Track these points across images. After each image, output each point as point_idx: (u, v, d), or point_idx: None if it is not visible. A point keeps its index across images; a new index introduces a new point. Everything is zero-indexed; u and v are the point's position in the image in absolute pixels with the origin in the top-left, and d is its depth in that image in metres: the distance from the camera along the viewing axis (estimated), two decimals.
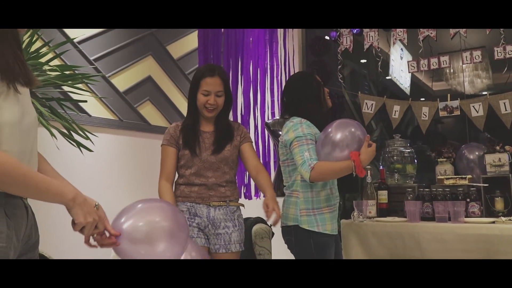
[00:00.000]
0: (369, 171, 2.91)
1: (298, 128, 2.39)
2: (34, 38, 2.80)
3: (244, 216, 3.29)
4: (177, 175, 2.51)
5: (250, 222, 3.15)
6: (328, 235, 2.39)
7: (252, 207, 3.74)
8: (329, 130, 2.34)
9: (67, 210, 1.47)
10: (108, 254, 3.20)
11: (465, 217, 2.66)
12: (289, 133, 2.40)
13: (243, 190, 3.90)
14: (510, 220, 2.52)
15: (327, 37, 3.98)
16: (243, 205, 2.55)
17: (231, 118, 3.96)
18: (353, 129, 2.31)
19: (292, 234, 2.42)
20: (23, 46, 2.74)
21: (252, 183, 3.92)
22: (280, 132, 2.66)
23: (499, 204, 2.74)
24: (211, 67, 2.47)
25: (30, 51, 2.79)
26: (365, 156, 2.25)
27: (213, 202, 2.40)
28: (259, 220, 3.18)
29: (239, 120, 3.97)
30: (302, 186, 2.41)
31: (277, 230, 2.67)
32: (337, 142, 2.29)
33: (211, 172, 2.41)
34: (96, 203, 1.51)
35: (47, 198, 1.41)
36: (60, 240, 3.15)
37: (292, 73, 4.00)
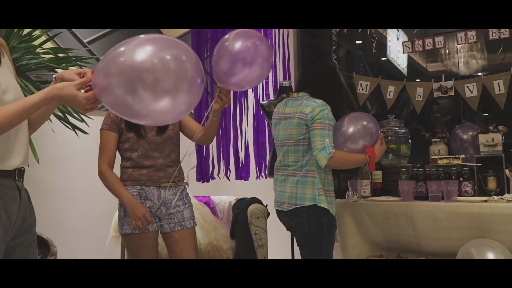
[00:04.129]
0: None
1: (324, 110, 2.40)
2: None
3: (239, 197, 3.33)
4: (120, 158, 2.48)
5: (246, 202, 3.18)
6: (334, 217, 2.46)
7: (248, 188, 3.77)
8: (343, 122, 2.47)
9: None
10: (101, 250, 3.23)
11: (458, 196, 2.69)
12: (315, 112, 2.39)
13: (239, 171, 3.93)
14: (502, 199, 2.55)
15: None
16: (187, 184, 2.57)
17: None
18: (365, 122, 2.48)
19: (304, 215, 2.42)
20: (16, 29, 2.72)
21: (251, 164, 3.94)
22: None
23: (491, 184, 2.77)
24: None
25: (23, 34, 2.77)
26: (378, 153, 2.46)
27: (163, 183, 2.42)
28: (254, 200, 3.21)
29: (232, 102, 3.97)
30: (317, 166, 2.41)
31: (273, 210, 2.69)
32: (349, 135, 2.45)
33: (158, 152, 2.43)
34: (54, 76, 1.49)
35: (36, 110, 1.41)
36: (57, 222, 3.17)
37: (286, 54, 3.99)
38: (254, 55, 1.96)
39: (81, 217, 3.33)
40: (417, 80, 3.67)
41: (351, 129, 2.45)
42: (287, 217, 2.51)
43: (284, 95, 2.68)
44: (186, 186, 2.56)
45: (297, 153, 2.47)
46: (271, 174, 3.40)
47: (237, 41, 1.96)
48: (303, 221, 2.42)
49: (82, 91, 1.42)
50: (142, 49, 1.33)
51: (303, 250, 2.50)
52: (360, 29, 3.65)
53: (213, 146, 3.95)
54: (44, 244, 2.96)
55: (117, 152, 2.46)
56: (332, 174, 2.58)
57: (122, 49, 1.35)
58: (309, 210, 2.40)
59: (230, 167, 3.96)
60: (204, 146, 3.95)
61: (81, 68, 3.36)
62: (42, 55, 2.87)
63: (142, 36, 1.38)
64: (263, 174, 3.89)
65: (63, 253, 2.99)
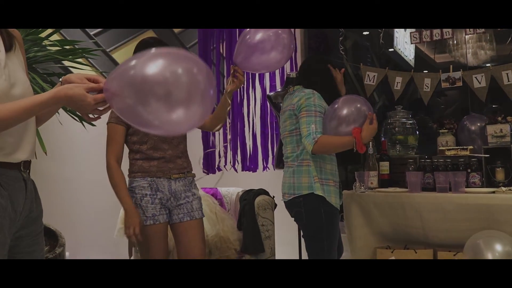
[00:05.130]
0: (370, 143, 2.92)
1: (310, 98, 2.42)
2: None
3: (247, 188, 3.33)
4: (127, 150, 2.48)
5: (253, 194, 3.18)
6: (333, 207, 2.43)
7: (255, 179, 3.78)
8: (336, 105, 2.40)
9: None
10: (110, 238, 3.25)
11: (466, 187, 2.68)
12: (301, 101, 2.42)
13: (246, 163, 3.93)
14: (510, 190, 2.53)
15: None
16: (195, 175, 2.58)
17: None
18: (359, 105, 2.38)
19: (302, 205, 2.42)
20: None
21: (259, 155, 3.94)
22: (281, 104, 2.67)
23: (499, 175, 2.75)
24: (157, 39, 2.50)
25: None
26: (366, 133, 2.32)
27: (174, 174, 2.42)
28: (261, 191, 3.21)
29: (239, 93, 3.96)
30: (311, 155, 2.41)
31: (280, 201, 2.70)
32: (343, 118, 2.35)
33: (167, 144, 2.44)
34: (60, 79, 1.48)
35: (44, 108, 1.40)
36: (65, 213, 3.20)
37: (293, 45, 3.97)
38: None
39: (89, 209, 3.35)
40: (424, 71, 3.65)
41: (344, 112, 2.37)
42: (288, 208, 2.52)
43: (291, 87, 2.68)
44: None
45: (292, 143, 2.49)
46: (278, 165, 3.40)
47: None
48: (301, 211, 2.43)
49: None
50: (154, 64, 1.34)
51: (306, 241, 2.50)
52: None
53: (220, 137, 3.95)
54: (52, 235, 2.99)
55: (125, 144, 2.46)
56: (338, 165, 2.57)
57: (133, 63, 1.36)
58: (306, 200, 2.40)
59: (237, 159, 3.97)
60: (211, 138, 3.95)
61: (88, 60, 3.37)
62: (48, 48, 2.87)
63: (153, 50, 1.38)
64: (269, 165, 3.89)
65: (71, 244, 3.02)
